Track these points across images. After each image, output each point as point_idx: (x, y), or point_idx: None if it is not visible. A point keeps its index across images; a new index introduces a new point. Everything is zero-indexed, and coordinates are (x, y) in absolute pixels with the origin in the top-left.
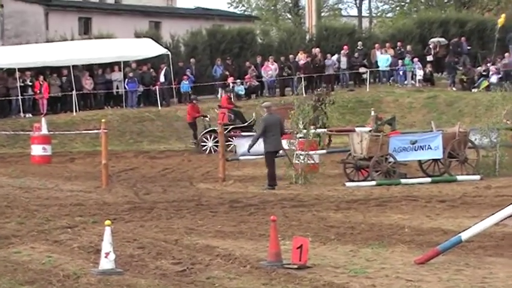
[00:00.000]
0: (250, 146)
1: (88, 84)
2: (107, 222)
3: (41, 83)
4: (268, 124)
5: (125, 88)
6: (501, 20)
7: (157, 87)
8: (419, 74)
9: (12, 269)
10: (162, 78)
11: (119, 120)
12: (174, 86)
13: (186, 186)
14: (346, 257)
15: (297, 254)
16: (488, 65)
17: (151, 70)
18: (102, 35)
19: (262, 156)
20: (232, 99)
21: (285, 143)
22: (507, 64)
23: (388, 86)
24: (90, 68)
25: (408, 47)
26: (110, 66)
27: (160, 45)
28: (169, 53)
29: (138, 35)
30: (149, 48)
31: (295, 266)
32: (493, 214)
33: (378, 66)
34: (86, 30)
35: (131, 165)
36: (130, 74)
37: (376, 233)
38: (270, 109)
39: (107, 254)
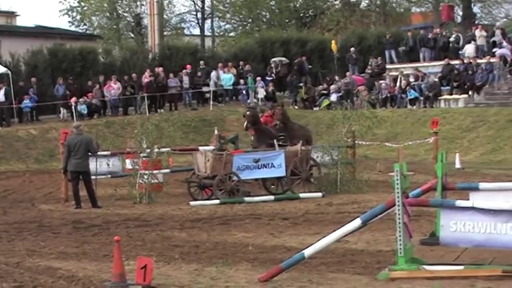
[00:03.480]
0: (63, 168)
1: None
2: None
3: None
4: (68, 144)
5: None
6: (333, 46)
7: None
8: (261, 92)
9: None
10: (1, 98)
11: None
12: (14, 106)
13: (28, 208)
14: (190, 276)
15: (141, 274)
16: (332, 85)
17: None
18: None
19: (103, 176)
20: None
21: (128, 163)
22: (348, 83)
23: (231, 105)
24: None
25: (247, 66)
26: None
27: (0, 64)
28: (9, 72)
29: None
30: None
31: (140, 287)
32: (334, 231)
33: (221, 86)
34: None
35: None
36: None
37: (221, 251)
38: (78, 129)
39: None
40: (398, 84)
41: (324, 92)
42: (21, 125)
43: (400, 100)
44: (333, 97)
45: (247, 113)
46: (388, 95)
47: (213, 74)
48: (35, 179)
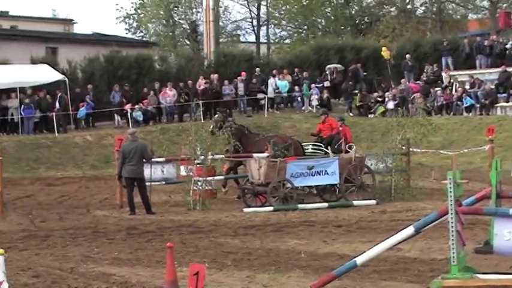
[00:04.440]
0: (118, 174)
1: None
2: (0, 251)
3: None
4: (123, 151)
5: (20, 114)
6: (384, 52)
7: (54, 113)
8: (316, 99)
9: None
10: (57, 105)
11: (14, 147)
12: (71, 113)
13: (83, 214)
14: (242, 283)
15: (194, 280)
16: (387, 92)
17: (48, 96)
18: None
19: (157, 183)
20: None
21: (183, 169)
22: (403, 90)
23: (285, 112)
24: None
25: (305, 74)
26: (5, 92)
27: (57, 71)
28: (66, 79)
29: (34, 61)
30: (46, 74)
31: None
32: (387, 238)
33: (279, 92)
34: None
35: (27, 193)
36: (27, 100)
37: (273, 258)
38: (133, 135)
39: (0, 283)
40: (454, 91)
41: (379, 99)
42: (77, 132)
43: (456, 107)
44: (390, 104)
45: (215, 116)
46: (444, 102)
47: (271, 81)
48: (90, 185)
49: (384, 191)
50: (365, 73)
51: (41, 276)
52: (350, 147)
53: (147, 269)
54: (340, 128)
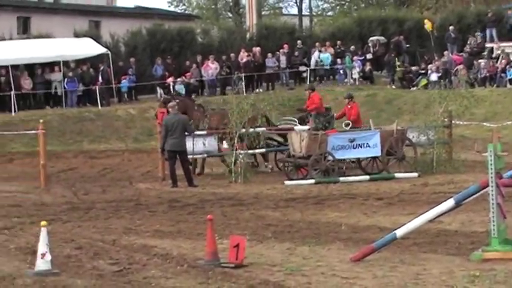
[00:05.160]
0: (161, 148)
1: (26, 84)
2: (43, 222)
3: None
4: (166, 124)
5: (64, 88)
6: (427, 26)
7: (97, 86)
8: (358, 71)
9: None
10: (99, 78)
11: (58, 120)
12: (114, 86)
13: (125, 186)
14: (282, 255)
15: (234, 252)
16: (430, 64)
17: (91, 70)
18: (41, 35)
19: (199, 156)
20: None
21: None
22: (446, 62)
23: (328, 84)
24: (30, 68)
25: (352, 47)
26: (49, 66)
27: (100, 44)
28: (109, 52)
29: (77, 35)
30: (89, 48)
31: (232, 265)
32: (428, 211)
33: (322, 65)
34: (24, 30)
35: (70, 166)
36: (70, 74)
37: (313, 231)
38: (174, 109)
39: (43, 254)
40: (498, 63)
41: (422, 71)
42: (120, 105)
43: (500, 79)
44: (433, 77)
45: (164, 96)
46: (487, 74)
47: (316, 53)
48: (133, 158)
49: (426, 163)
50: (408, 45)
51: (84, 248)
52: (347, 125)
53: (188, 241)
54: (348, 106)
